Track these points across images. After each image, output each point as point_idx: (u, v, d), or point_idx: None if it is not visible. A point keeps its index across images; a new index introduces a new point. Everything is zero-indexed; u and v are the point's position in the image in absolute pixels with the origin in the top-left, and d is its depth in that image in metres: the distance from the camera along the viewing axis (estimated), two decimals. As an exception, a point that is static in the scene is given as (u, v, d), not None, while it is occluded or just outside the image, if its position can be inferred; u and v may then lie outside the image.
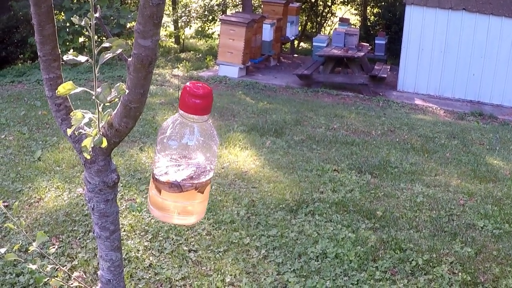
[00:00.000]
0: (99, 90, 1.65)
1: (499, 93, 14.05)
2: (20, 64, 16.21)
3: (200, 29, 23.41)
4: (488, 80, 14.07)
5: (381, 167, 7.68)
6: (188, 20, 22.74)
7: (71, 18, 1.72)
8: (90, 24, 1.63)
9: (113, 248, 2.35)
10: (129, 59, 1.80)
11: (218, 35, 17.36)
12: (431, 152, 8.67)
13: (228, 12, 22.89)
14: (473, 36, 13.99)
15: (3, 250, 2.74)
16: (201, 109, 1.65)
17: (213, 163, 1.77)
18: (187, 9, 23.05)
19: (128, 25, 16.24)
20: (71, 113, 1.73)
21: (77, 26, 14.96)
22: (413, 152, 8.64)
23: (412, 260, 5.16)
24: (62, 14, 15.56)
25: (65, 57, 1.63)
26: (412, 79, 14.73)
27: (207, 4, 23.48)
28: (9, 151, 7.56)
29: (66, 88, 1.66)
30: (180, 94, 1.68)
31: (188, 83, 1.65)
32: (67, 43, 15.05)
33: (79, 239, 5.28)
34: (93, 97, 1.64)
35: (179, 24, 23.04)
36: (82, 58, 1.65)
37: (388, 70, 15.50)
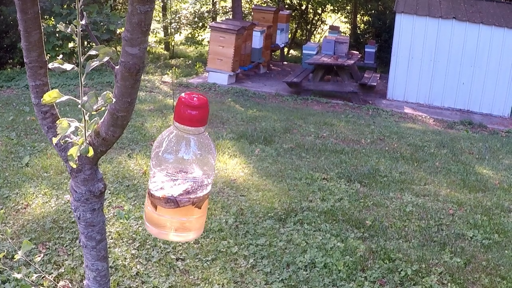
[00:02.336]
0: (85, 98, 1.61)
1: (489, 102, 14.07)
2: (9, 69, 16.14)
3: (190, 35, 23.42)
4: (478, 89, 14.09)
5: (370, 176, 7.66)
6: (178, 26, 22.74)
7: (57, 25, 1.69)
8: (76, 31, 1.59)
9: (100, 258, 2.32)
10: (117, 67, 1.77)
11: (208, 42, 17.33)
12: (420, 161, 8.66)
13: (218, 19, 22.91)
14: (463, 45, 14.01)
15: (-13, 259, 2.70)
16: (197, 120, 1.61)
17: (210, 177, 1.72)
18: (177, 16, 23.05)
19: (118, 31, 16.20)
20: (57, 122, 1.70)
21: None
22: (403, 161, 8.62)
23: (401, 270, 5.14)
24: (52, 19, 15.51)
25: (50, 65, 1.60)
26: (401, 87, 14.73)
27: (197, 10, 23.52)
28: (-4, 156, 7.51)
29: (51, 96, 1.62)
30: (174, 105, 1.64)
31: (183, 94, 1.61)
32: (57, 49, 15.00)
33: (66, 246, 5.24)
34: (79, 106, 1.61)
35: (169, 31, 23.04)
36: (68, 66, 1.62)
37: (378, 78, 15.52)
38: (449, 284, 4.97)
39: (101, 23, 15.62)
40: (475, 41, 13.91)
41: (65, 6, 15.83)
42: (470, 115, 13.68)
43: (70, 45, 15.78)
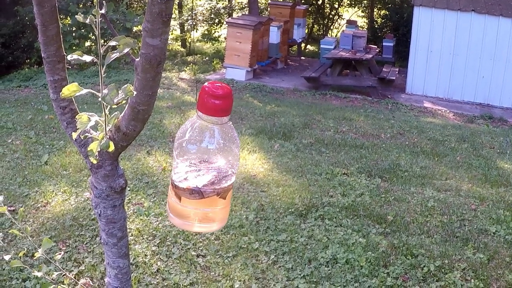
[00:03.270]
0: (105, 91, 1.58)
1: (509, 95, 13.93)
2: (26, 69, 16.22)
3: (206, 32, 23.41)
4: (498, 83, 13.95)
5: (391, 170, 7.61)
6: (194, 23, 22.72)
7: (76, 16, 1.65)
8: (95, 22, 1.55)
9: (121, 255, 2.29)
10: (137, 60, 1.73)
11: (225, 38, 17.31)
12: (441, 156, 8.59)
13: (235, 15, 22.84)
14: (483, 37, 13.88)
15: (7, 257, 2.68)
16: (221, 110, 1.58)
17: (235, 167, 1.69)
18: (194, 12, 23.03)
19: (134, 28, 16.20)
20: (77, 116, 1.66)
21: (83, 30, 14.96)
22: (423, 155, 8.56)
23: (424, 266, 5.08)
24: (68, 18, 15.54)
25: (69, 57, 1.57)
26: (420, 81, 14.63)
27: (213, 7, 23.47)
28: (16, 155, 7.51)
29: (70, 90, 1.59)
30: (198, 95, 1.60)
31: (206, 83, 1.58)
32: (74, 47, 15.01)
33: (86, 243, 5.23)
34: (100, 99, 1.57)
35: (186, 28, 23.03)
36: (87, 58, 1.58)
37: (397, 72, 15.41)
38: (472, 281, 4.91)
39: (117, 21, 15.63)
40: (495, 33, 13.78)
41: (81, 5, 15.86)
42: (490, 109, 13.55)
43: (87, 43, 15.82)
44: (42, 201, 6.12)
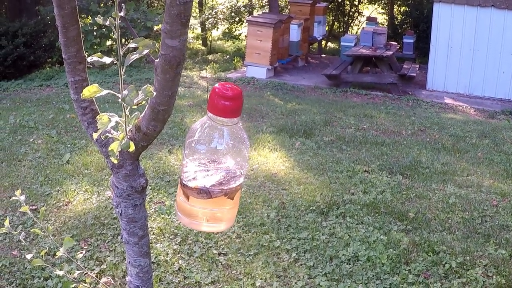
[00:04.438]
0: (125, 92, 1.60)
1: (530, 91, 13.88)
2: (48, 68, 16.32)
3: (227, 30, 23.46)
4: (519, 78, 13.90)
5: (412, 167, 7.59)
6: (215, 22, 22.78)
7: (95, 19, 1.67)
8: (115, 24, 1.57)
9: (142, 254, 2.31)
10: (156, 61, 1.75)
11: (245, 36, 17.32)
12: (462, 152, 8.56)
13: (255, 13, 22.86)
14: (503, 33, 13.80)
15: (29, 256, 2.71)
16: (230, 111, 1.59)
17: (243, 168, 1.70)
18: (214, 11, 23.08)
19: (155, 27, 16.26)
20: (97, 117, 1.68)
21: (104, 29, 15.02)
22: (444, 152, 8.53)
23: (446, 263, 5.08)
24: (89, 18, 15.62)
25: (89, 59, 1.59)
26: (441, 77, 14.57)
27: (233, 5, 23.50)
28: (37, 154, 7.57)
29: (91, 91, 1.61)
30: (208, 95, 1.62)
31: (217, 85, 1.59)
32: (95, 47, 15.10)
33: (108, 242, 5.26)
34: (120, 100, 1.59)
35: (206, 26, 23.09)
36: (107, 59, 1.60)
37: (417, 69, 15.37)
38: (494, 277, 4.90)
39: (138, 20, 15.70)
40: (515, 28, 13.73)
41: (102, 4, 15.93)
42: (511, 104, 13.49)
43: (108, 43, 15.90)
44: (64, 200, 6.16)
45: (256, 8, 24.31)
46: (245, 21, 20.11)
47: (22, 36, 15.59)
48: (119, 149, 1.75)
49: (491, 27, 13.87)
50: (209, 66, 16.33)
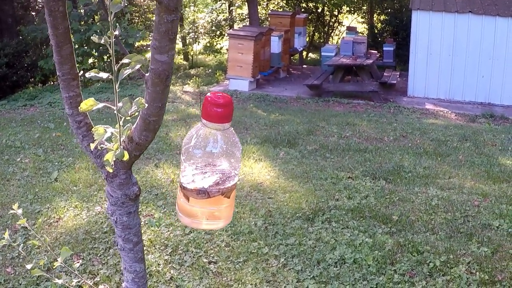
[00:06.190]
0: (120, 104, 1.71)
1: (509, 94, 14.01)
2: (31, 88, 16.35)
3: (208, 44, 23.52)
4: (498, 82, 14.03)
5: (395, 172, 7.72)
6: (196, 36, 22.86)
7: (91, 37, 1.79)
8: (110, 42, 1.69)
9: (137, 260, 2.40)
10: (147, 74, 1.87)
11: (227, 49, 17.41)
12: (444, 156, 8.70)
13: (236, 26, 22.97)
14: (481, 38, 13.97)
15: (29, 266, 2.81)
16: (222, 117, 1.72)
17: (237, 169, 1.83)
18: (195, 25, 23.17)
19: (137, 44, 16.34)
20: (93, 129, 1.80)
21: (86, 47, 15.08)
22: (426, 156, 8.67)
23: (430, 262, 5.21)
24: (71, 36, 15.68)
25: (87, 74, 1.69)
26: (421, 84, 14.71)
27: (214, 19, 23.59)
28: (25, 173, 7.64)
29: (88, 104, 1.72)
30: (201, 104, 1.75)
31: (209, 94, 1.72)
32: (77, 64, 15.13)
33: (100, 256, 5.35)
34: (115, 111, 1.71)
35: (187, 41, 23.16)
36: (103, 75, 1.72)
37: (398, 76, 15.54)
38: (477, 273, 5.03)
39: (120, 37, 15.71)
40: (492, 33, 13.87)
41: (83, 23, 16.01)
42: (491, 108, 13.62)
43: (90, 60, 15.96)
44: (54, 217, 6.25)
45: (237, 22, 24.42)
46: (226, 34, 20.21)
47: (4, 57, 15.63)
48: (114, 159, 1.86)
49: (469, 32, 14.04)
50: (191, 81, 16.40)
